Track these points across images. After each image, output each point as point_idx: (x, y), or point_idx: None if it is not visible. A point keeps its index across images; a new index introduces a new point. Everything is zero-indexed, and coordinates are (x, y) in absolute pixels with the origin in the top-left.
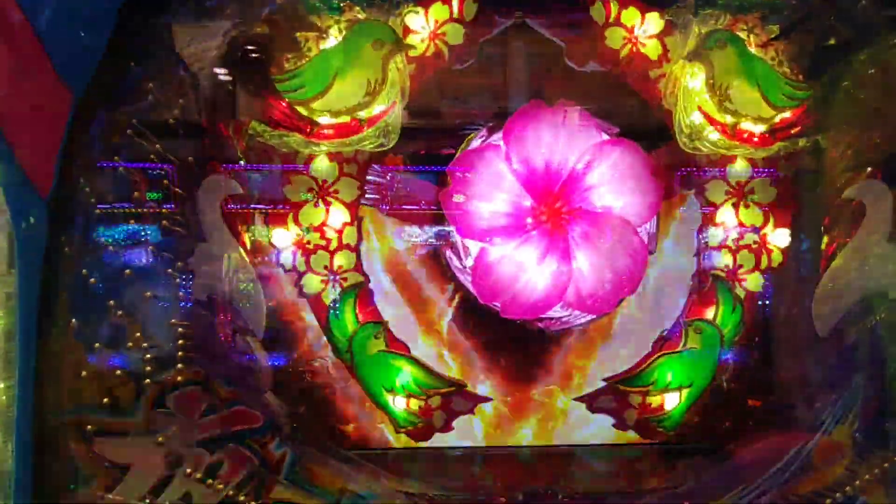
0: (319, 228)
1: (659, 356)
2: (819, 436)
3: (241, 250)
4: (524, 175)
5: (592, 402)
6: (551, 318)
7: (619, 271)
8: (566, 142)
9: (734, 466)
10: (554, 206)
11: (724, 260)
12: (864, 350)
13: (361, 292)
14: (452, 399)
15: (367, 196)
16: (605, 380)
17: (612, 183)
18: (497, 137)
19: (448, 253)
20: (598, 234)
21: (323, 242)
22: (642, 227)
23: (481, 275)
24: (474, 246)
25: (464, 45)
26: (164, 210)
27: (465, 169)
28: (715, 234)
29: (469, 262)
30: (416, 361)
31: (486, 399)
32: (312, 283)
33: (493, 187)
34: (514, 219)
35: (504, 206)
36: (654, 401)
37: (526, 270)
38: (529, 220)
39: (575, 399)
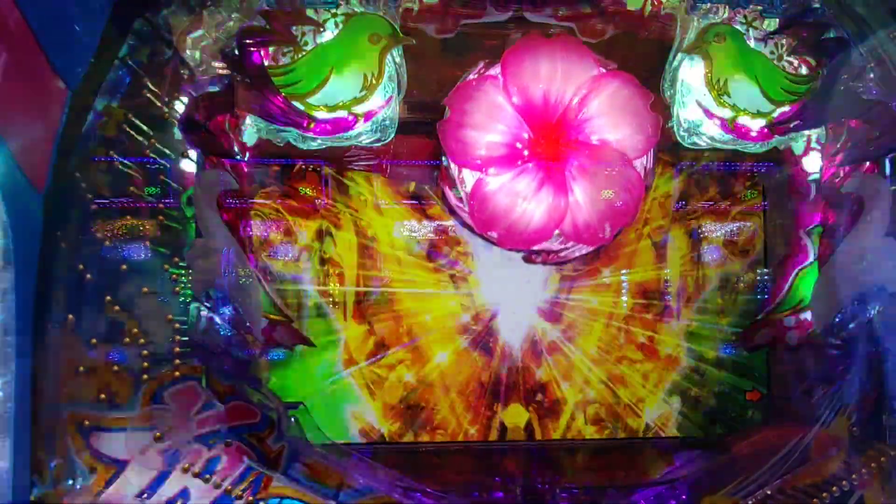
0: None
1: (796, 274)
2: (817, 429)
3: (239, 245)
4: (522, 107)
5: (750, 340)
6: (548, 252)
7: (616, 204)
8: (564, 74)
9: (732, 459)
10: (551, 138)
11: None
12: (861, 344)
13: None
14: (276, 328)
15: (364, 162)
16: (757, 316)
17: (609, 116)
18: (495, 70)
19: (445, 188)
20: (594, 166)
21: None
22: (639, 161)
23: (478, 205)
24: (470, 179)
25: (439, 8)
26: (160, 205)
27: (464, 100)
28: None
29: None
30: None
31: (309, 343)
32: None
33: (490, 118)
34: (511, 149)
35: (501, 137)
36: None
37: (522, 201)
38: (526, 151)
39: (735, 344)
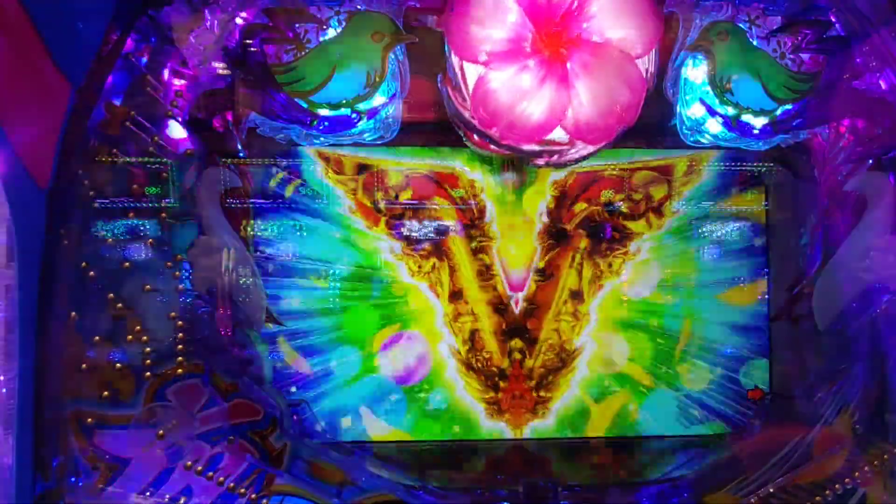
0: None
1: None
2: (819, 427)
3: (241, 243)
4: (526, 3)
5: (788, 312)
6: (551, 152)
7: (618, 101)
8: None
9: (734, 457)
10: (554, 35)
11: None
12: (864, 342)
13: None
14: None
15: None
16: (793, 290)
17: (613, 14)
18: None
19: (447, 89)
20: (597, 64)
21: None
22: (641, 61)
23: (481, 100)
24: (472, 76)
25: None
26: (162, 203)
27: None
28: None
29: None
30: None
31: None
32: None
33: (494, 14)
34: (513, 45)
35: (505, 33)
36: None
37: (524, 97)
38: (528, 48)
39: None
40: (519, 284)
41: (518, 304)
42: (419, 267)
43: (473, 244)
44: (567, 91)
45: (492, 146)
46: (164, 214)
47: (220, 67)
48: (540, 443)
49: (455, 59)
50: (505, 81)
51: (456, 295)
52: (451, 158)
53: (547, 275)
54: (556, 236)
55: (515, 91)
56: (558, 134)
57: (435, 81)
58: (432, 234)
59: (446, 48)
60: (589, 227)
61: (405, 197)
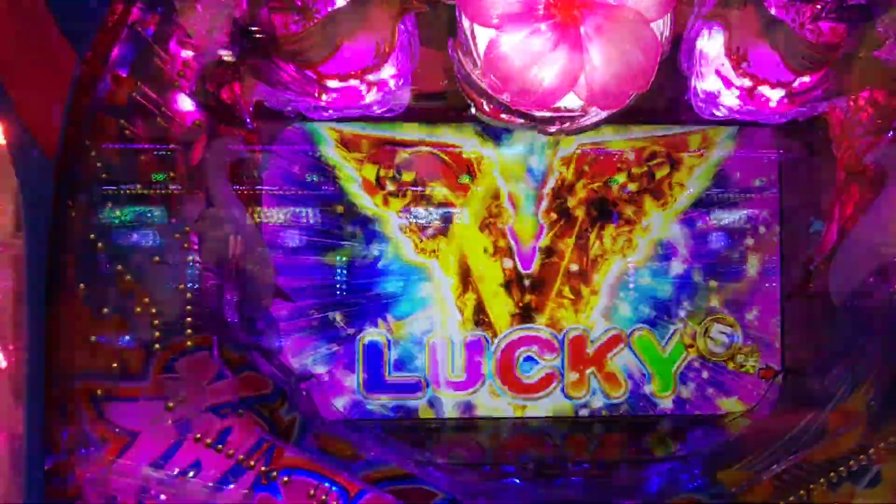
0: None
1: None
2: (834, 404)
3: (249, 215)
4: None
5: (803, 289)
6: (563, 118)
7: (632, 66)
8: None
9: (747, 435)
10: None
11: None
12: (880, 318)
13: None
14: None
15: None
16: (809, 266)
17: None
18: None
19: (458, 54)
20: (611, 27)
21: None
22: (655, 25)
23: (492, 65)
24: (483, 41)
25: None
26: (171, 174)
27: None
28: None
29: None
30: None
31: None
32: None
33: None
34: (526, 7)
35: None
36: None
37: (536, 61)
38: (541, 10)
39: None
40: (527, 261)
41: (528, 283)
42: (427, 245)
43: (485, 221)
44: (580, 55)
45: (503, 114)
46: (171, 186)
47: (227, 37)
48: (550, 420)
49: (466, 23)
50: (516, 45)
51: (465, 273)
52: (461, 134)
53: (554, 253)
54: (563, 214)
55: (527, 55)
56: (571, 100)
57: (445, 55)
58: (441, 212)
59: (457, 11)
60: (597, 207)
61: (412, 174)
